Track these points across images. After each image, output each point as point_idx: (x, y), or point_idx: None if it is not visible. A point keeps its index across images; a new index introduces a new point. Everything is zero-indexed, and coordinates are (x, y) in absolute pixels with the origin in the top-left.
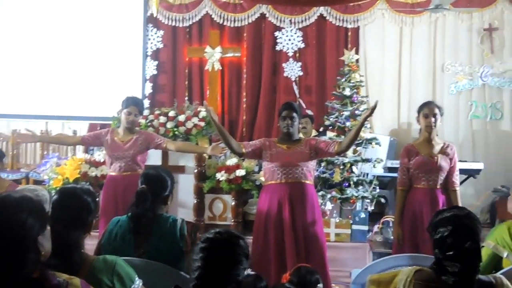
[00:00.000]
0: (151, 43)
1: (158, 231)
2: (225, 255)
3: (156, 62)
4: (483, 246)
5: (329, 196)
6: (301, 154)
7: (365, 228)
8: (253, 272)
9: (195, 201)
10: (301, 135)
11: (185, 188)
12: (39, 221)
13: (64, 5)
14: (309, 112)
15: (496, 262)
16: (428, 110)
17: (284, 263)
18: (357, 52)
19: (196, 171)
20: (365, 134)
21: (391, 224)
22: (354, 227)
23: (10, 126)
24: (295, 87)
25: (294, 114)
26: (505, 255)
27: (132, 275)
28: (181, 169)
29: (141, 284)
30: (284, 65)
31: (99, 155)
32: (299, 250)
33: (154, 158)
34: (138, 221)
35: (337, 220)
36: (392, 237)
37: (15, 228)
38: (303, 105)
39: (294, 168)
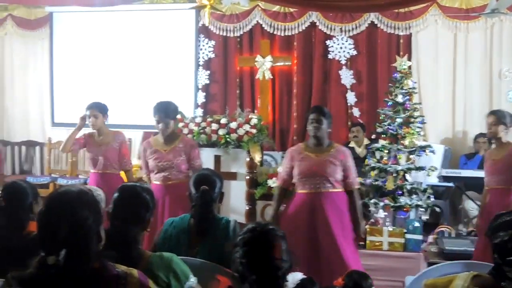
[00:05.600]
0: (203, 53)
1: (212, 232)
2: (269, 246)
3: (208, 72)
4: None
5: (381, 204)
6: (330, 165)
7: (419, 237)
8: (305, 276)
9: (247, 207)
10: (352, 143)
11: (237, 194)
12: (98, 213)
13: (119, 18)
14: (360, 121)
15: None
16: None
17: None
18: (409, 59)
19: (248, 177)
20: (418, 141)
21: (446, 234)
22: (408, 236)
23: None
24: (351, 95)
25: (322, 118)
26: None
27: (187, 273)
28: (233, 176)
29: (196, 281)
30: (340, 72)
31: None
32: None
33: (206, 165)
34: (201, 221)
35: (390, 229)
36: (447, 248)
37: (80, 224)
38: (356, 114)
39: (322, 178)
